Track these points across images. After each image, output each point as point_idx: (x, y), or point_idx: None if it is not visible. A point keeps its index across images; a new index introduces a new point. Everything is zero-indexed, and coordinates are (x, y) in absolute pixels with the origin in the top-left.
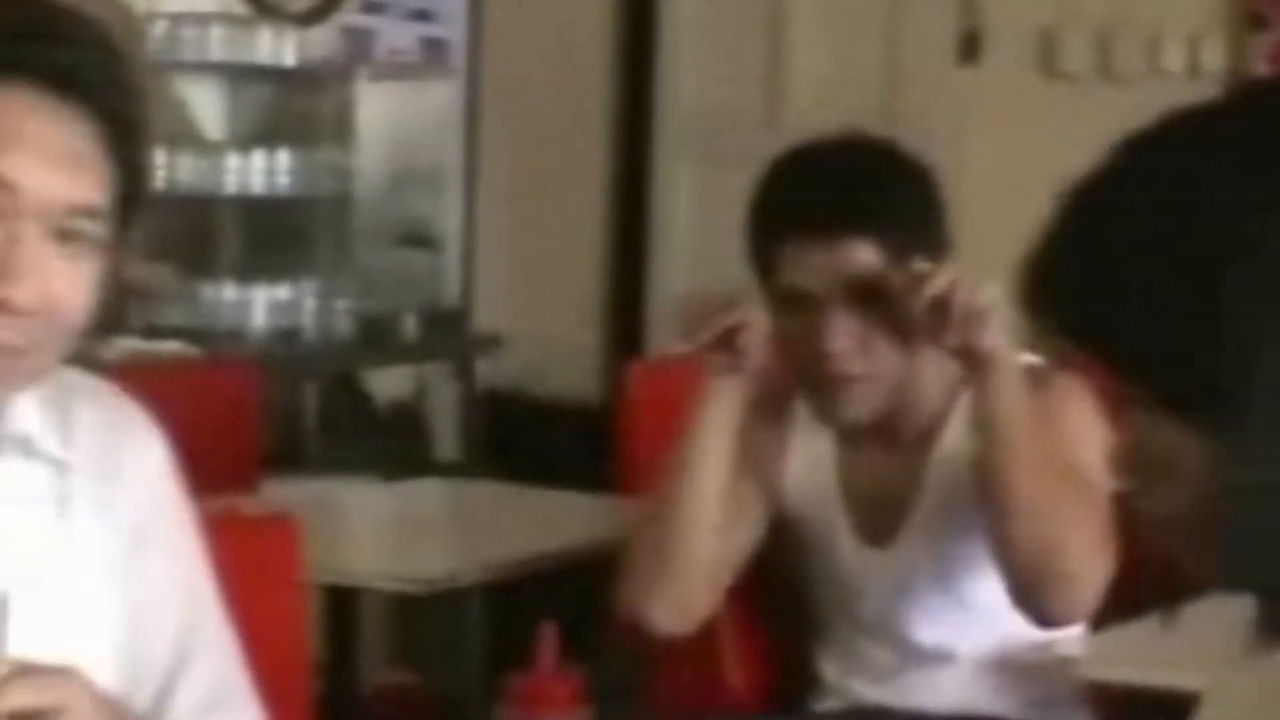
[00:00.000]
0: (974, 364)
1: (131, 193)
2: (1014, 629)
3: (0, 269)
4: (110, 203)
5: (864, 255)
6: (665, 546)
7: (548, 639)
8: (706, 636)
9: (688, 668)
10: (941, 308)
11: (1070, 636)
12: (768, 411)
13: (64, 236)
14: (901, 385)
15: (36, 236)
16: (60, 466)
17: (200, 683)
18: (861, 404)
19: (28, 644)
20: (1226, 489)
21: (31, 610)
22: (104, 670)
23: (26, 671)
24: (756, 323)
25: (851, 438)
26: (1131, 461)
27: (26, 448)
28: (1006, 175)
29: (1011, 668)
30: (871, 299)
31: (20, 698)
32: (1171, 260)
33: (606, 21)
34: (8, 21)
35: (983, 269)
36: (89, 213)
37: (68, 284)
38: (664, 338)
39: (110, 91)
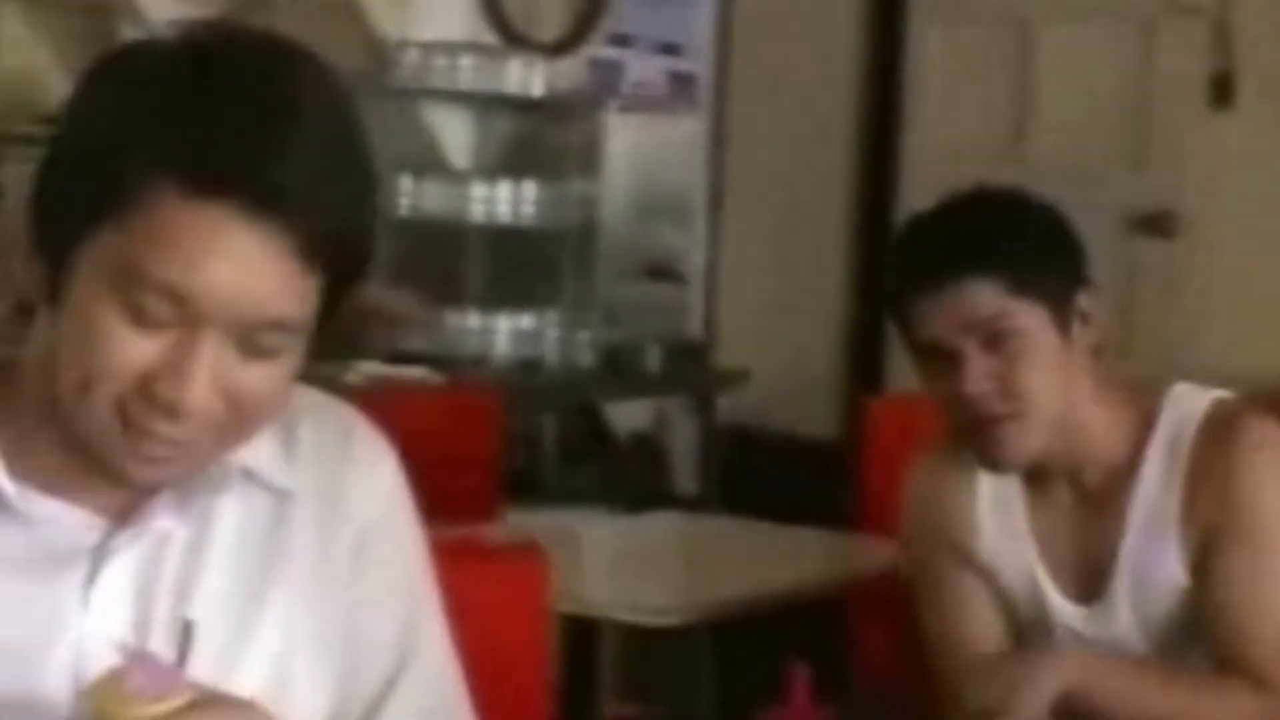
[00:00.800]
0: None
1: (342, 284)
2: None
3: (173, 372)
4: (310, 309)
5: (985, 294)
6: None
7: (800, 678)
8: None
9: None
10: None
11: None
12: (952, 480)
13: (250, 346)
14: (1067, 427)
15: (217, 344)
16: (281, 494)
17: (408, 707)
18: (1015, 444)
19: (224, 673)
20: None
21: (233, 638)
22: (305, 698)
23: (207, 701)
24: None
25: (1039, 490)
26: None
27: (248, 477)
28: (1259, 221)
29: None
30: (1002, 338)
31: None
32: None
33: (853, 57)
34: (215, 132)
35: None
36: (278, 327)
37: (254, 385)
38: (904, 373)
39: (320, 209)
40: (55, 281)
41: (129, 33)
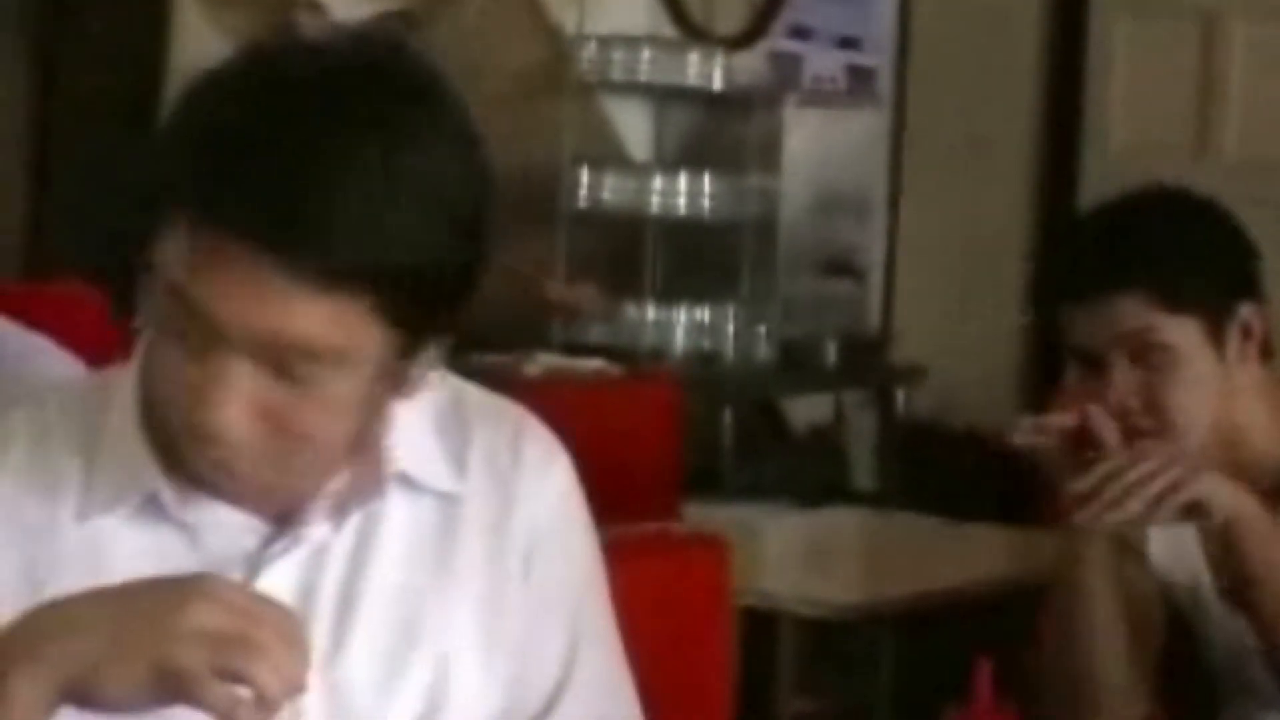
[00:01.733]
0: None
1: (421, 314)
2: None
3: (201, 396)
4: (357, 339)
5: (1132, 308)
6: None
7: (984, 673)
8: None
9: None
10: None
11: None
12: None
13: (285, 372)
14: (1227, 439)
15: (246, 370)
16: (450, 499)
17: (582, 712)
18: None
19: (386, 680)
20: None
21: (397, 645)
22: (471, 712)
23: None
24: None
25: None
26: None
27: (408, 483)
28: None
29: None
30: (1152, 351)
31: None
32: None
33: (1034, 52)
34: (239, 168)
35: None
36: (308, 354)
37: (302, 415)
38: None
39: (346, 238)
40: (134, 301)
41: (307, 25)
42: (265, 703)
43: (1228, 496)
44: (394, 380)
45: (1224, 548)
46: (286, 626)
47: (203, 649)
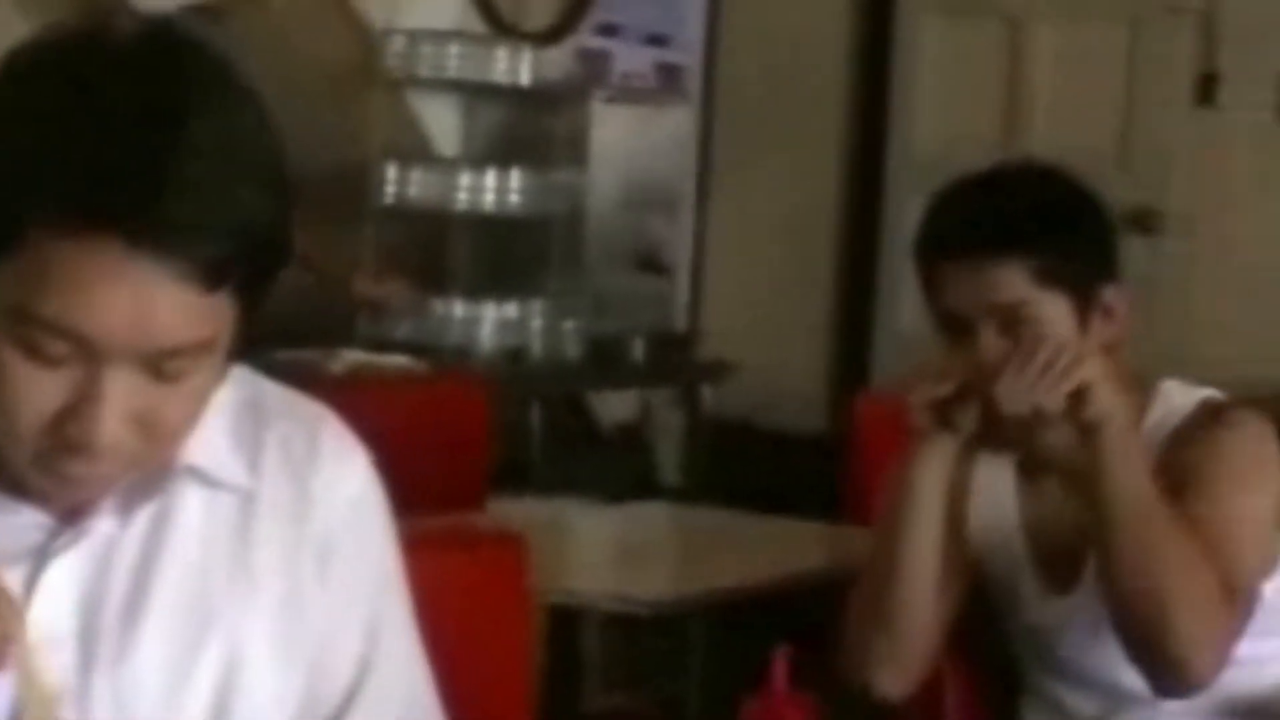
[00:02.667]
0: (1084, 430)
1: (257, 289)
2: (1234, 671)
3: (79, 412)
4: (221, 325)
5: (1009, 279)
6: (886, 610)
7: (782, 663)
8: (929, 682)
9: (910, 712)
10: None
11: None
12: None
13: (159, 373)
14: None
15: (123, 378)
16: (244, 496)
17: (378, 710)
18: (1026, 429)
19: (176, 679)
20: None
21: (188, 644)
22: (262, 711)
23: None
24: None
25: (1031, 476)
26: None
27: (202, 479)
28: (1241, 214)
29: (1236, 714)
30: (1021, 324)
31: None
32: None
33: (842, 51)
34: (94, 165)
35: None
36: (185, 352)
37: (169, 410)
38: (891, 367)
39: (215, 233)
40: None
41: (112, 17)
42: None
43: (1109, 392)
44: (229, 357)
45: (1084, 453)
46: None
47: None
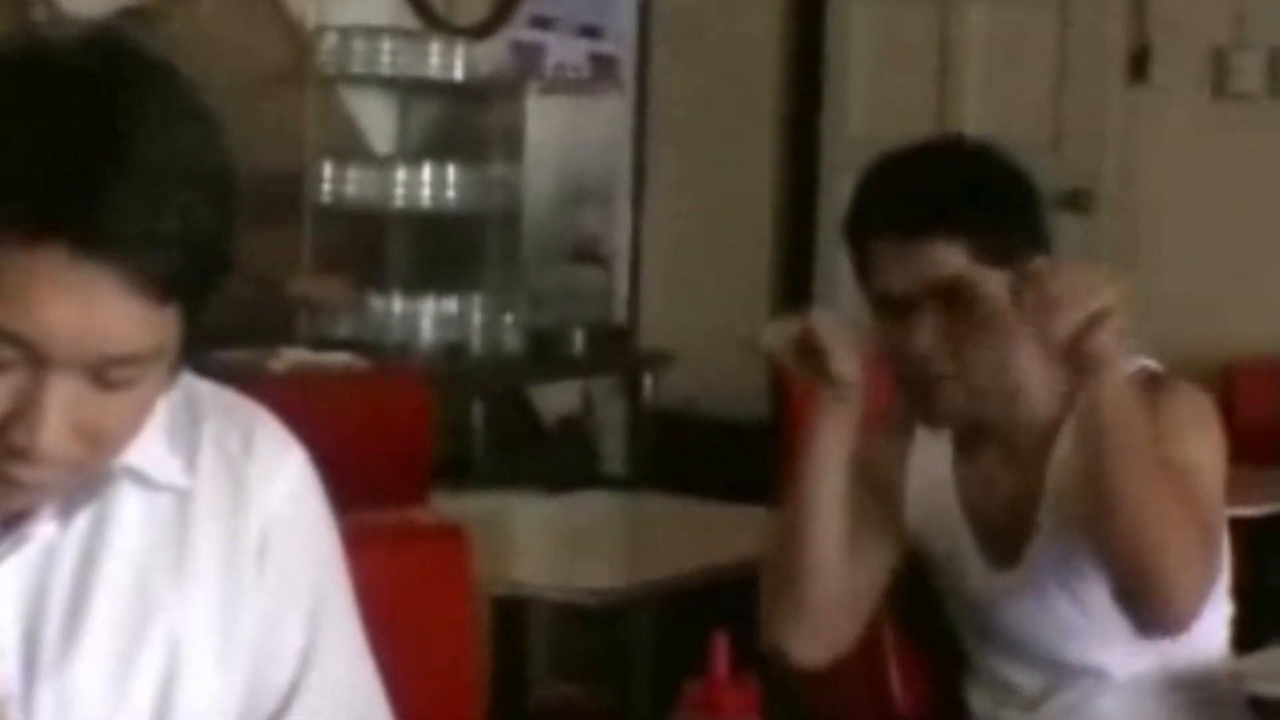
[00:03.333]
0: (1083, 364)
1: (203, 297)
2: (1174, 646)
3: (23, 418)
4: (168, 335)
5: (948, 257)
6: (795, 579)
7: (721, 646)
8: (872, 658)
9: (854, 687)
10: (1054, 307)
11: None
12: (889, 430)
13: (104, 381)
14: (1006, 392)
15: (67, 385)
16: (182, 495)
17: (320, 704)
18: (948, 404)
19: (118, 679)
20: None
21: (129, 642)
22: (204, 710)
23: None
24: (841, 345)
25: (968, 452)
26: None
27: (139, 479)
28: (1175, 192)
29: (1179, 687)
30: (960, 301)
31: None
32: None
33: (775, 39)
34: (36, 174)
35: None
36: (131, 361)
37: (112, 420)
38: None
39: (162, 244)
40: None
41: (41, 21)
42: None
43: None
44: (175, 363)
45: (1087, 391)
46: None
47: None
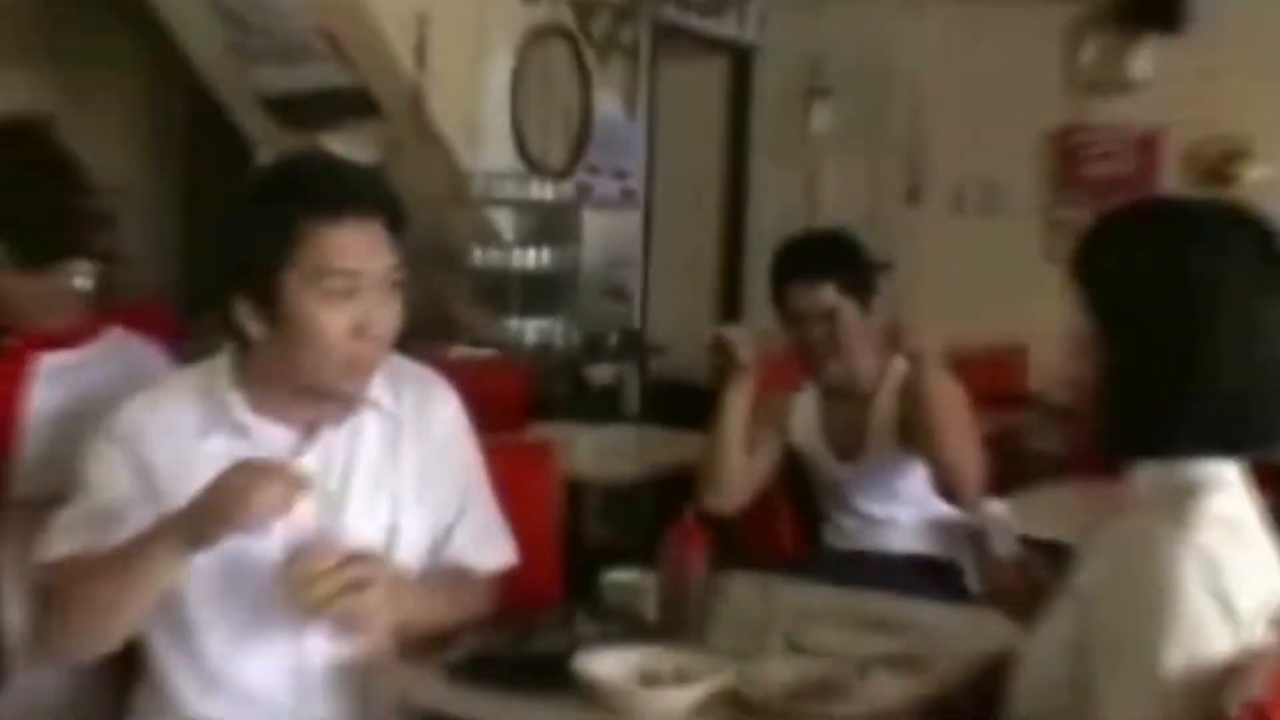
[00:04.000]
0: (915, 360)
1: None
2: (933, 507)
3: (370, 320)
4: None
5: (826, 292)
6: (713, 466)
7: (690, 513)
8: (770, 515)
9: (761, 533)
10: (905, 333)
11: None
12: (784, 389)
13: (388, 290)
14: (860, 362)
15: (379, 298)
16: (395, 418)
17: (471, 529)
18: (827, 370)
19: (366, 519)
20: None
21: (371, 501)
22: (413, 533)
23: (352, 558)
24: (742, 342)
25: (828, 400)
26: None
27: (375, 406)
28: (935, 265)
29: (932, 528)
30: (833, 315)
31: (353, 573)
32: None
33: (719, 174)
34: (333, 188)
35: (927, 319)
36: (396, 269)
37: (393, 317)
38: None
39: (387, 212)
40: (266, 310)
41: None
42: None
43: (930, 338)
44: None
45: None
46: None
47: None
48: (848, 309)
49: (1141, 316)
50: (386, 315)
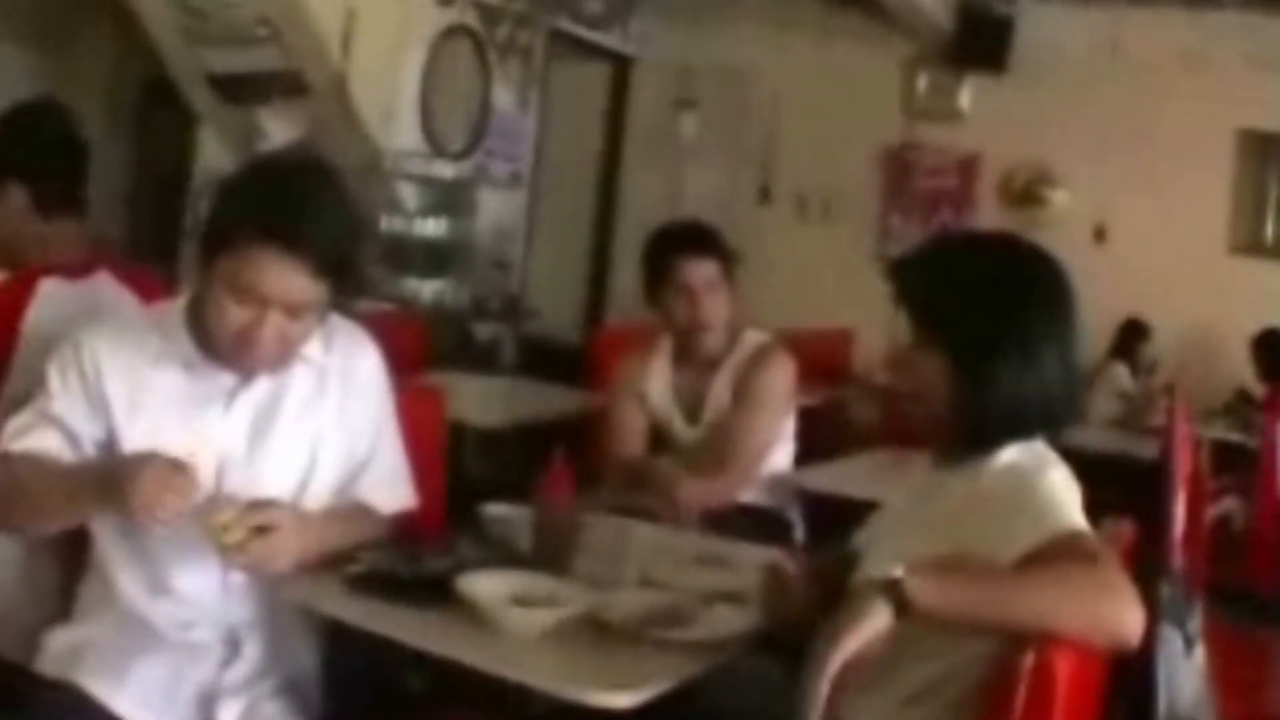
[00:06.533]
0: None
1: (343, 281)
2: (766, 466)
3: (254, 328)
4: (322, 297)
5: (714, 267)
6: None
7: (560, 460)
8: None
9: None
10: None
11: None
12: (642, 365)
13: (291, 314)
14: (716, 337)
15: (276, 315)
16: (322, 369)
17: (379, 471)
18: (706, 341)
19: (289, 458)
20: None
21: (299, 442)
22: (328, 468)
23: (252, 507)
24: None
25: (680, 365)
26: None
27: (305, 361)
28: (783, 264)
29: (766, 484)
30: (713, 286)
31: (261, 518)
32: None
33: (595, 173)
34: (270, 208)
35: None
36: (303, 307)
37: (294, 332)
38: (618, 314)
39: (323, 251)
40: (204, 276)
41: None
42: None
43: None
44: (324, 310)
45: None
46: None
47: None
48: (724, 285)
49: (977, 328)
50: (281, 333)
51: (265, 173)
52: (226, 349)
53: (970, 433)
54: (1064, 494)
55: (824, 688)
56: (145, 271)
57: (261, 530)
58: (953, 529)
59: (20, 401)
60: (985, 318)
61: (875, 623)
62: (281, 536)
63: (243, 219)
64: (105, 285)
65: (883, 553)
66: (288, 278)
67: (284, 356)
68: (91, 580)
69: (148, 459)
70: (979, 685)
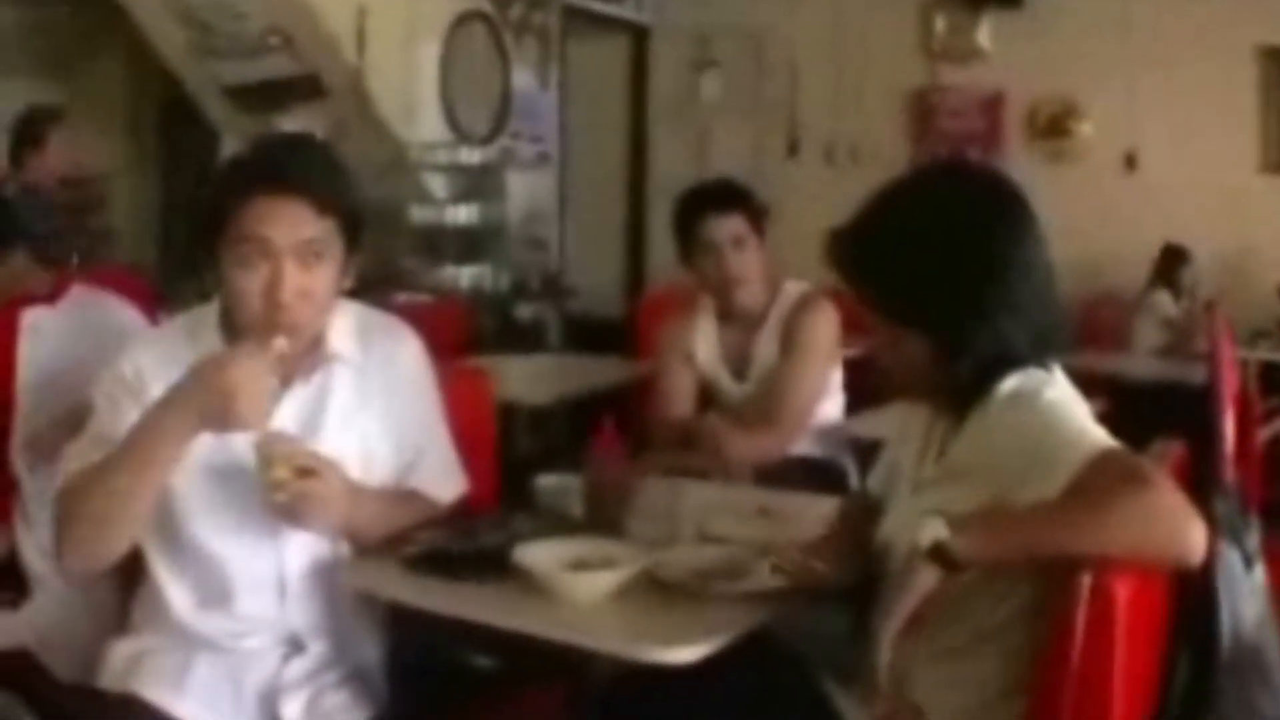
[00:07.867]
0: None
1: (349, 231)
2: (817, 417)
3: (275, 287)
4: (331, 236)
5: (739, 222)
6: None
7: (609, 423)
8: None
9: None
10: None
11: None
12: (687, 325)
13: (306, 261)
14: (754, 292)
15: (291, 266)
16: (362, 368)
17: (430, 463)
18: (740, 297)
19: (340, 453)
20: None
21: (344, 437)
22: (384, 470)
23: (312, 453)
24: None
25: (724, 325)
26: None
27: (339, 360)
28: (814, 214)
29: (817, 434)
30: (743, 241)
31: (311, 460)
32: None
33: (623, 141)
34: (269, 165)
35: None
36: (315, 243)
37: (314, 284)
38: (656, 281)
39: (322, 188)
40: (215, 274)
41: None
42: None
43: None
44: (341, 267)
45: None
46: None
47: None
48: (753, 239)
49: (935, 303)
50: (301, 280)
51: (241, 151)
52: (254, 319)
53: (966, 388)
54: (1075, 410)
55: (887, 655)
56: (113, 268)
57: (306, 473)
58: (986, 478)
59: (39, 436)
60: (940, 287)
61: (921, 589)
62: (323, 482)
63: (230, 186)
64: (83, 297)
65: (910, 512)
66: (289, 212)
67: (312, 317)
68: (144, 596)
69: (221, 358)
70: (1042, 618)
